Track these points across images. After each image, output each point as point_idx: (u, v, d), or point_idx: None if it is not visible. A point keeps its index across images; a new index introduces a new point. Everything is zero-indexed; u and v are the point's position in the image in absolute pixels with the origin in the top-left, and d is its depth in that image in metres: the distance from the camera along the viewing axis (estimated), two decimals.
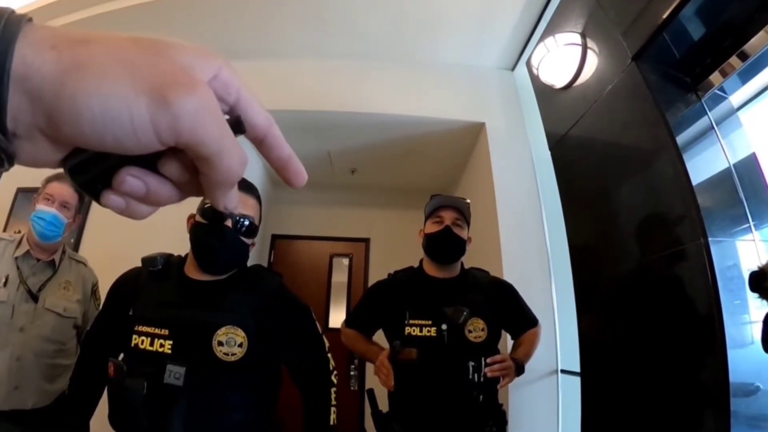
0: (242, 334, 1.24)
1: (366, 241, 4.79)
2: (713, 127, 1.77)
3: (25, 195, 3.17)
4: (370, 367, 3.87)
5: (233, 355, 1.21)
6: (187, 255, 1.40)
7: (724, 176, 1.69)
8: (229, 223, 1.31)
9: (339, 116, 3.44)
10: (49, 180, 1.90)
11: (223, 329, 1.23)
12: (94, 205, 3.08)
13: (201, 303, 1.28)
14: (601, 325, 2.18)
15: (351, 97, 3.41)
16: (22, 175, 2.81)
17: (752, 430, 1.41)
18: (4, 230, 3.08)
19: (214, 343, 1.21)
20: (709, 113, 1.79)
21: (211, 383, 1.20)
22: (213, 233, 1.31)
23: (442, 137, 3.61)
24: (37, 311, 1.79)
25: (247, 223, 1.34)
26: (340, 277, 4.78)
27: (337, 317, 4.48)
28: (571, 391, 2.46)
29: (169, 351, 1.19)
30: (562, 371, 2.60)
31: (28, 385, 1.73)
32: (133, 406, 1.15)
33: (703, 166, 1.69)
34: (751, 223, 1.61)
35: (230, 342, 1.22)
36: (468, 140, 3.59)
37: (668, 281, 1.72)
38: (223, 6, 3.12)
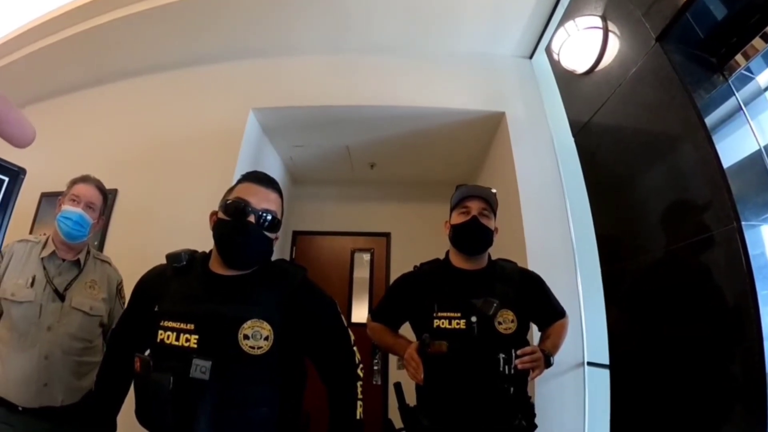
0: (268, 327, 1.23)
1: (387, 235, 4.79)
2: (741, 108, 1.71)
3: (49, 200, 3.23)
4: (393, 362, 3.88)
5: (259, 348, 1.21)
6: (211, 251, 1.40)
7: (754, 158, 1.64)
8: (251, 218, 1.31)
9: (357, 111, 3.44)
10: (74, 182, 1.94)
11: (248, 322, 1.22)
12: (118, 206, 3.14)
13: (226, 297, 1.27)
14: (631, 315, 2.13)
15: (368, 91, 3.40)
16: (46, 180, 2.89)
17: None
18: (30, 234, 3.13)
19: (240, 336, 1.20)
20: (736, 94, 1.74)
21: (238, 377, 1.19)
22: (236, 229, 1.31)
23: (461, 128, 3.58)
24: (64, 310, 1.82)
25: (269, 217, 1.35)
26: (361, 272, 4.79)
27: (359, 312, 4.50)
28: (597, 383, 2.42)
29: (195, 345, 1.19)
30: (589, 363, 2.56)
31: (57, 382, 1.76)
32: (159, 401, 1.16)
33: (732, 148, 1.63)
34: None
35: (256, 335, 1.21)
36: (488, 130, 3.55)
37: (699, 268, 1.67)
38: (241, 5, 3.15)
